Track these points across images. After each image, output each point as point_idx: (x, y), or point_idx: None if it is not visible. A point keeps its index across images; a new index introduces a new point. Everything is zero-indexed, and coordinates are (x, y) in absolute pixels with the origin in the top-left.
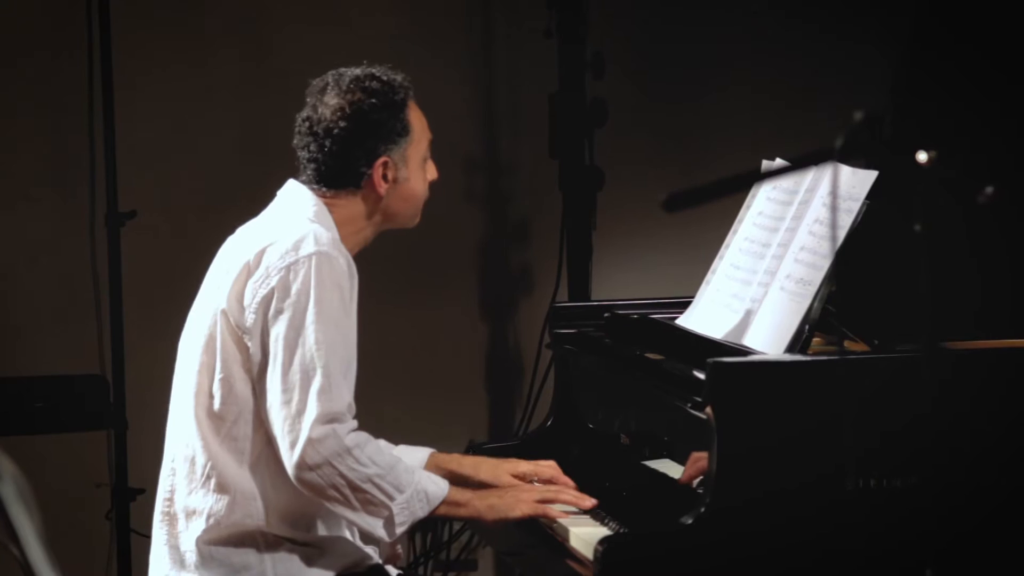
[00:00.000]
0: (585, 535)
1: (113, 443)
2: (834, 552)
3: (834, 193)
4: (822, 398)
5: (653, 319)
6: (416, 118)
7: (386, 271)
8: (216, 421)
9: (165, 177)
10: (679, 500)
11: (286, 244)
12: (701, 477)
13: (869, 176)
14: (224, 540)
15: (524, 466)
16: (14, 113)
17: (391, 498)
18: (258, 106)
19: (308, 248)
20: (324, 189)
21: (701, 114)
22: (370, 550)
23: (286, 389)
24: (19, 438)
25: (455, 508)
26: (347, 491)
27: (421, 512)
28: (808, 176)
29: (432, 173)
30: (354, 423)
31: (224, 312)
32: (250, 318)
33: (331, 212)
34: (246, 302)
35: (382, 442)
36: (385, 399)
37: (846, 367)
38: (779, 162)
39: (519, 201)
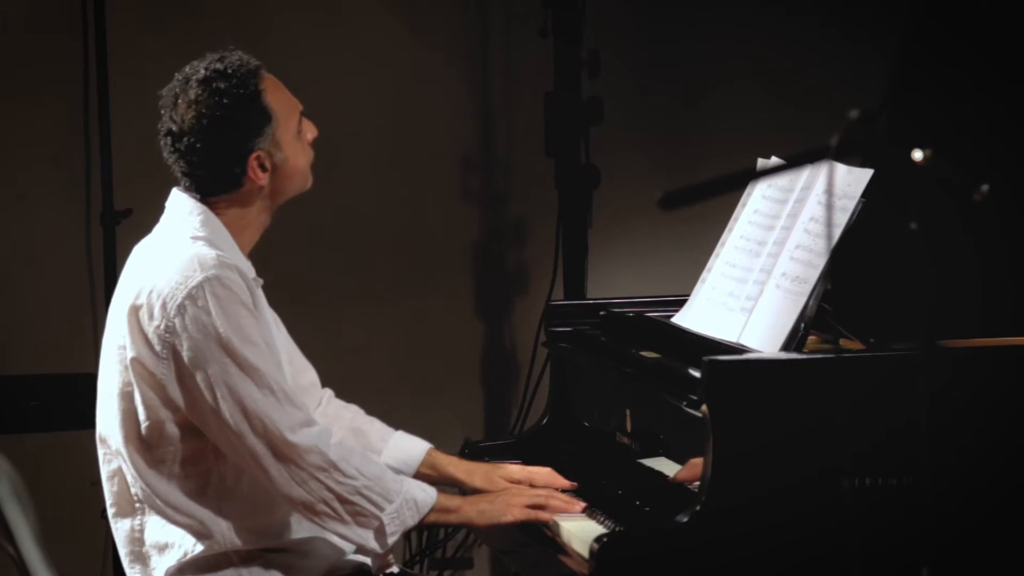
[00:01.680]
0: (581, 533)
1: None
2: (830, 551)
3: (829, 191)
4: (818, 396)
5: (649, 317)
6: (275, 97)
7: (382, 269)
8: (156, 465)
9: (161, 175)
10: (675, 498)
11: (174, 279)
12: (696, 481)
13: (865, 174)
14: (200, 568)
15: (518, 473)
16: (10, 112)
17: (381, 508)
18: None
19: (195, 277)
20: (208, 197)
21: (697, 112)
22: (348, 546)
23: (242, 420)
24: (14, 436)
25: (445, 515)
26: (336, 504)
27: (411, 520)
28: (804, 174)
29: (311, 132)
30: (328, 430)
31: (136, 360)
32: (164, 364)
33: (219, 216)
34: (156, 348)
35: (377, 424)
36: (380, 397)
37: (842, 365)
38: (775, 160)
39: (515, 200)
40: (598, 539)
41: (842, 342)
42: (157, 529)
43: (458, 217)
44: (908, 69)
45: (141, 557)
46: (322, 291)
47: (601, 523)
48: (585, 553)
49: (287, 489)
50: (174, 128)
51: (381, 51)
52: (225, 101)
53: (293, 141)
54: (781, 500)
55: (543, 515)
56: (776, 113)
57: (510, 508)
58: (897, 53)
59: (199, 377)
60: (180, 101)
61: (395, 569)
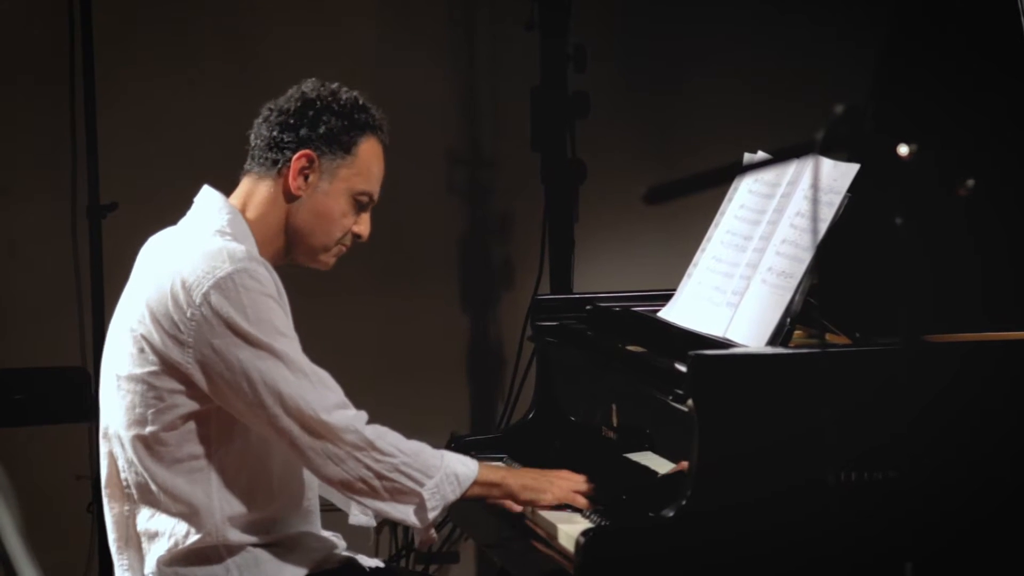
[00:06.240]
0: (567, 528)
1: (94, 435)
2: (815, 544)
3: (815, 186)
4: (803, 391)
5: (635, 312)
6: (370, 154)
7: (368, 264)
8: (158, 447)
9: (146, 169)
10: (661, 493)
11: (200, 268)
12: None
13: (851, 169)
14: (187, 559)
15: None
16: None
17: (420, 484)
18: (240, 99)
19: (224, 268)
20: (249, 171)
21: (683, 107)
22: (336, 539)
23: (276, 403)
24: None
25: (487, 489)
26: (375, 482)
27: (452, 495)
28: (790, 169)
29: (361, 228)
30: (363, 412)
31: (154, 346)
32: (191, 352)
33: (246, 219)
34: (182, 336)
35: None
36: (367, 392)
37: (827, 360)
38: (761, 155)
39: (501, 194)
40: (584, 533)
41: (828, 336)
42: (147, 518)
43: (444, 212)
44: (895, 61)
45: (131, 543)
46: (307, 286)
47: (587, 517)
48: (571, 547)
49: (324, 469)
50: (275, 104)
51: (365, 45)
52: (332, 105)
53: (343, 194)
54: (767, 493)
55: (580, 500)
56: (762, 107)
57: (554, 487)
58: (883, 45)
59: (228, 364)
60: (295, 90)
61: (380, 563)
